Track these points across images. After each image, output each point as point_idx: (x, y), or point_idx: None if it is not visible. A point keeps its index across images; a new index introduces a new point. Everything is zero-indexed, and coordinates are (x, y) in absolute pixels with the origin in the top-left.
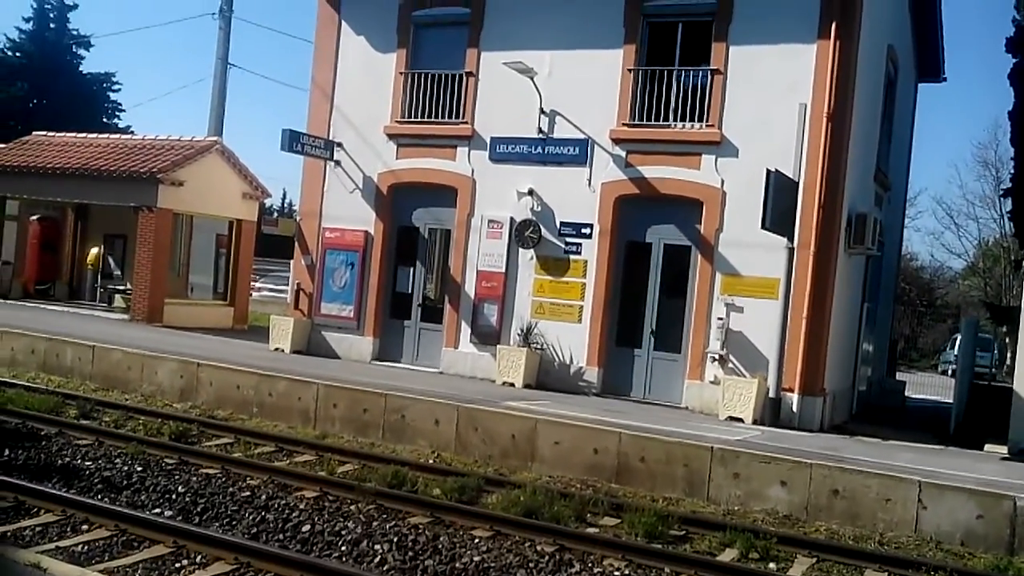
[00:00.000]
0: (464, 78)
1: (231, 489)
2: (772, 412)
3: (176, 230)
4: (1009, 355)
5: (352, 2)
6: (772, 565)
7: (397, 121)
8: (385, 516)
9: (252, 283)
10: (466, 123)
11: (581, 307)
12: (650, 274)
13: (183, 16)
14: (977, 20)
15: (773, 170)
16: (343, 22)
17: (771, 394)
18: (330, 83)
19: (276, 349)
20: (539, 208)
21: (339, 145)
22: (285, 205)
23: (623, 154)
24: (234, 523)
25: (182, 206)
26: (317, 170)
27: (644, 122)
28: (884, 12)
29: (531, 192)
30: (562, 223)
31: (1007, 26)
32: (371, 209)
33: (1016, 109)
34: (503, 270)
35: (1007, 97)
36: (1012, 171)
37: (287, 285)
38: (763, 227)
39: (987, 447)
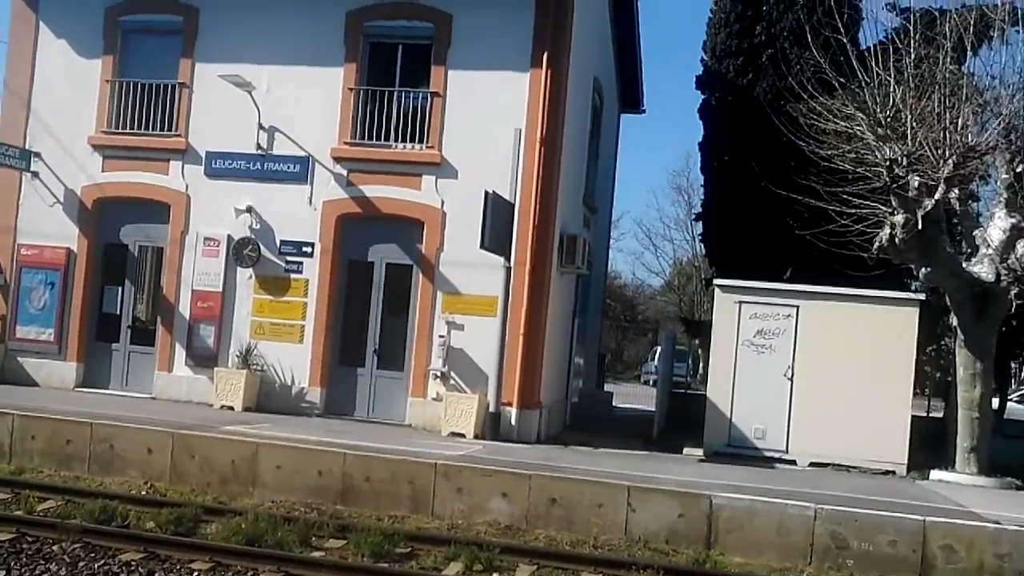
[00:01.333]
0: (177, 89)
1: None
2: (492, 426)
3: None
4: (702, 365)
5: (52, 2)
6: (495, 575)
7: (103, 132)
8: (93, 555)
9: None
10: (179, 136)
11: (303, 327)
12: (373, 293)
13: None
14: (672, 58)
15: (491, 192)
16: (41, 23)
17: (491, 409)
18: (27, 88)
19: None
20: (258, 226)
21: (37, 155)
22: None
23: (345, 173)
24: None
25: None
26: (12, 182)
27: (365, 141)
28: (590, 45)
29: (250, 209)
30: (282, 241)
31: (698, 65)
32: (74, 225)
33: (705, 140)
34: (220, 289)
35: (698, 129)
36: (702, 197)
37: None
38: (482, 247)
39: (686, 450)
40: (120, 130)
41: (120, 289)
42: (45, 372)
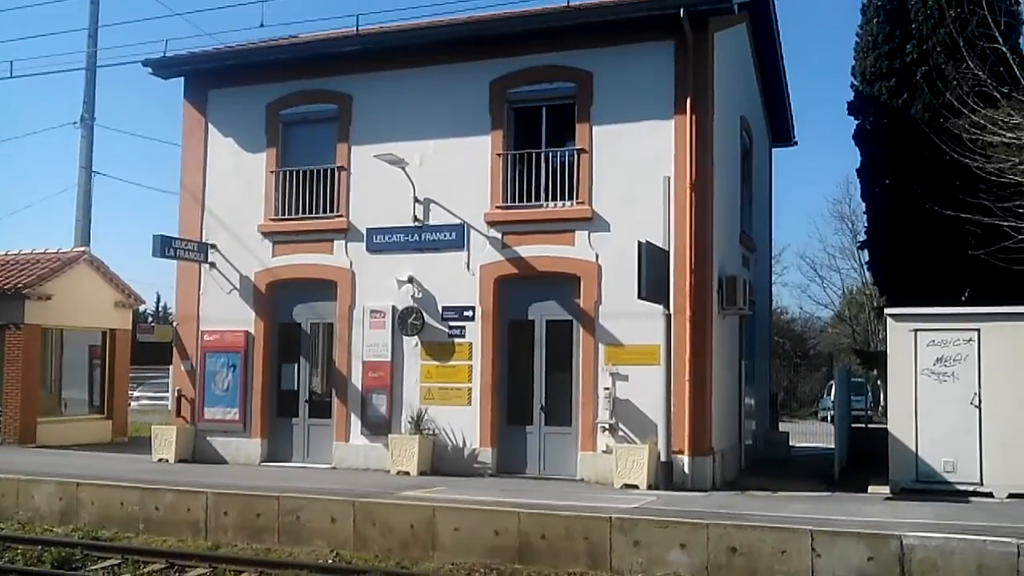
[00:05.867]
0: (336, 172)
1: None
2: (665, 476)
3: (46, 345)
4: (882, 397)
5: (218, 105)
6: None
7: (271, 219)
8: None
9: (130, 393)
10: (341, 216)
11: (470, 389)
12: (535, 350)
13: (43, 127)
14: (820, 86)
15: (644, 241)
16: (210, 125)
17: (662, 458)
18: (200, 186)
19: (160, 460)
20: (420, 295)
21: (213, 247)
22: (160, 309)
23: (499, 236)
24: None
25: (51, 320)
26: (192, 273)
27: (517, 203)
28: (734, 86)
29: (411, 280)
30: (444, 308)
31: (848, 91)
32: (250, 309)
33: (863, 166)
34: (389, 359)
35: (854, 155)
36: (866, 224)
37: (167, 392)
38: (639, 297)
39: (871, 488)
40: (286, 216)
41: (296, 366)
42: (232, 449)
